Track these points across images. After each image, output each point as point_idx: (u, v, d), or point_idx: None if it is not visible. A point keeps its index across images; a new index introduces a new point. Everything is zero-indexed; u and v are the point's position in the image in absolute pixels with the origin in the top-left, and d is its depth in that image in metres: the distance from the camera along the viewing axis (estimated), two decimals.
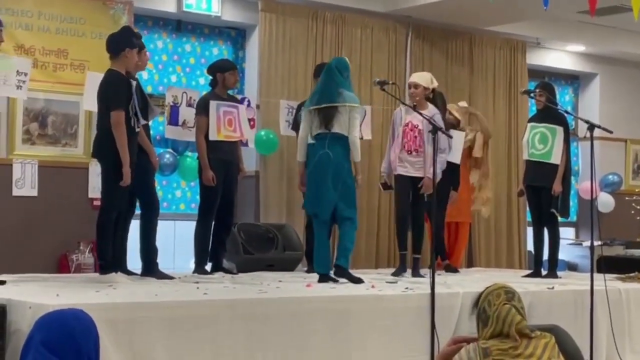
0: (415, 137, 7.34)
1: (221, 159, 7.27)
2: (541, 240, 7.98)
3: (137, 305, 4.67)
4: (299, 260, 8.12)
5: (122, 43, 6.27)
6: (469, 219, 8.94)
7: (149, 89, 8.24)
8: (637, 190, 11.79)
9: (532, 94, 7.96)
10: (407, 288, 6.03)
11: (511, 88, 10.71)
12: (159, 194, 7.45)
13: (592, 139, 6.15)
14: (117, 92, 6.14)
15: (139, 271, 6.71)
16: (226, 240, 7.45)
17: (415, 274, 7.31)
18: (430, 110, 7.25)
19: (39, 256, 7.62)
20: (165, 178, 8.65)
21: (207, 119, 7.26)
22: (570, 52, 11.56)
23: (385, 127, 8.67)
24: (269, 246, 8.05)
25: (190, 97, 8.07)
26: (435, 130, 5.93)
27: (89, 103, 7.18)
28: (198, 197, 7.51)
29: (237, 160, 7.50)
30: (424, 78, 7.50)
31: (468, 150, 8.67)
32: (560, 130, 7.75)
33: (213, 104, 7.31)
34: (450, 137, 7.16)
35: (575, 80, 12.13)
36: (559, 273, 7.99)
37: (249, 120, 8.18)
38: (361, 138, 7.24)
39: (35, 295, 4.82)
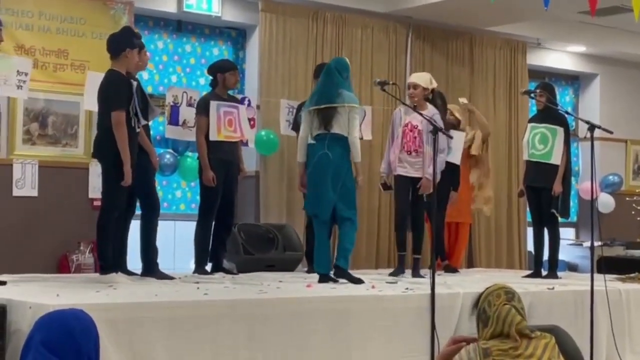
0: (415, 137, 7.34)
1: (221, 159, 7.27)
2: (541, 241, 7.97)
3: (137, 305, 4.67)
4: (299, 261, 8.12)
5: (123, 43, 6.28)
6: (469, 220, 8.94)
7: (149, 89, 8.24)
8: (637, 190, 11.79)
9: (532, 95, 7.96)
10: (407, 288, 6.03)
11: (511, 88, 10.71)
12: (159, 194, 7.45)
13: (592, 139, 6.15)
14: (118, 92, 6.14)
15: (139, 271, 6.71)
16: (226, 240, 7.45)
17: (416, 274, 7.31)
18: (430, 110, 7.25)
19: (39, 256, 7.62)
20: (165, 178, 8.65)
21: (208, 119, 7.26)
22: (570, 53, 11.56)
23: (386, 128, 8.66)
24: (269, 246, 8.05)
25: (191, 97, 8.08)
26: (435, 130, 5.93)
27: (90, 103, 7.18)
28: (198, 197, 7.51)
29: (238, 161, 7.50)
30: (423, 78, 7.49)
31: (468, 151, 8.66)
32: (560, 130, 7.75)
33: (213, 104, 7.31)
34: (450, 137, 7.15)
35: (575, 80, 12.13)
36: (559, 273, 7.99)
37: (249, 120, 8.18)
38: (361, 138, 7.24)
39: (35, 296, 4.82)
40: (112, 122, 6.06)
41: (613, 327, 6.41)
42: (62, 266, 7.70)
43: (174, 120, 8.02)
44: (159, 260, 6.75)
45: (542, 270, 7.97)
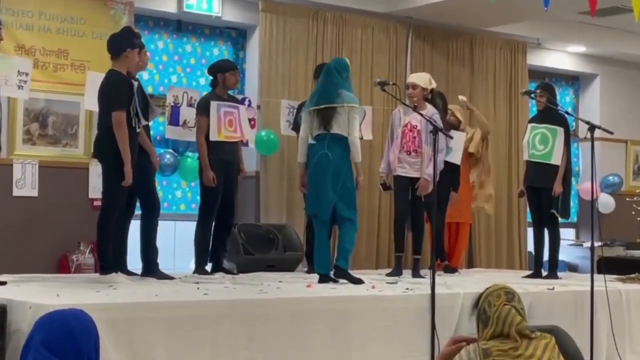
0: (414, 137, 7.33)
1: (222, 160, 7.27)
2: (541, 241, 7.97)
3: (137, 305, 4.67)
4: (299, 261, 8.12)
5: (123, 43, 6.28)
6: (469, 220, 8.93)
7: (149, 89, 8.24)
8: (637, 191, 11.78)
9: (532, 95, 7.96)
10: (407, 289, 6.03)
11: (512, 89, 10.71)
12: (160, 194, 7.45)
13: (592, 139, 6.15)
14: (119, 92, 6.14)
15: (139, 271, 6.71)
16: (226, 240, 7.45)
17: (416, 274, 7.30)
18: (429, 110, 7.25)
19: (39, 256, 7.62)
20: (165, 178, 8.65)
21: (208, 119, 7.27)
22: (570, 53, 11.56)
23: (386, 128, 8.66)
24: (269, 247, 8.06)
25: (191, 97, 8.08)
26: (436, 130, 5.93)
27: (90, 103, 7.18)
28: (198, 197, 7.52)
29: (238, 161, 7.50)
30: (422, 79, 7.49)
31: (467, 150, 8.65)
32: (560, 131, 7.75)
33: (214, 104, 7.31)
34: (450, 137, 7.15)
35: (575, 81, 12.13)
36: (559, 274, 7.99)
37: (250, 120, 8.18)
38: (361, 138, 7.24)
39: (35, 296, 4.82)
40: (112, 122, 6.06)
41: (613, 328, 6.41)
42: (62, 266, 7.70)
43: (174, 120, 8.02)
44: (159, 261, 6.76)
45: (542, 270, 7.96)
